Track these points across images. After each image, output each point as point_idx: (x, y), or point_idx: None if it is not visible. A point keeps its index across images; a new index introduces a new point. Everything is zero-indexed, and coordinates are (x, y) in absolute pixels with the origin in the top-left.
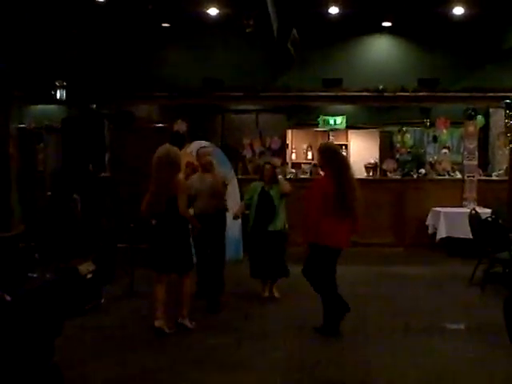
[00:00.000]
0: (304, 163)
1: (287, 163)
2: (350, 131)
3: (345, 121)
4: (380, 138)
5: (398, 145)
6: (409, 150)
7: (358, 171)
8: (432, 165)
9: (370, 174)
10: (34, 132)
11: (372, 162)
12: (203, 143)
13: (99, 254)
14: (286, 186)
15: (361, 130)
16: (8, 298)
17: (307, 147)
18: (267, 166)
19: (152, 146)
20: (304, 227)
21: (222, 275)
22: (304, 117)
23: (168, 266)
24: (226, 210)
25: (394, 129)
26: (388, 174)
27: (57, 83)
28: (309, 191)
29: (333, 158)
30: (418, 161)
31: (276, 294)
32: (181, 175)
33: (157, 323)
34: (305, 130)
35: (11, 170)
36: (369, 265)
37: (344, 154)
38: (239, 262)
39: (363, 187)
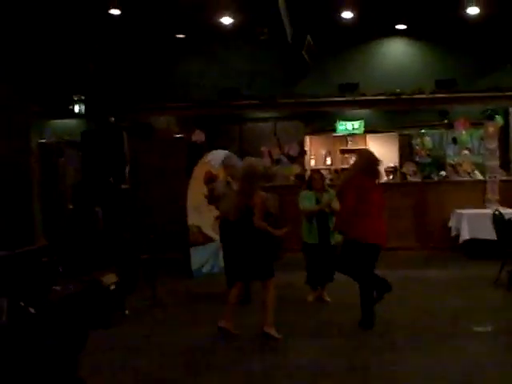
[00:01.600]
0: (323, 169)
1: (306, 169)
2: (368, 136)
3: (363, 125)
4: (399, 141)
5: (418, 147)
6: (428, 152)
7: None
8: (453, 166)
9: (390, 177)
10: (55, 146)
11: (392, 165)
12: (222, 153)
13: (122, 265)
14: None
15: (379, 134)
16: (32, 310)
17: (326, 153)
18: (316, 176)
19: (171, 156)
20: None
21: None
22: (321, 123)
23: (249, 273)
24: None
25: (413, 132)
26: (408, 177)
27: (75, 97)
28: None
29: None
30: (438, 163)
31: (327, 298)
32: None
33: (223, 323)
34: (323, 136)
35: (33, 184)
36: (392, 269)
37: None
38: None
39: (384, 191)
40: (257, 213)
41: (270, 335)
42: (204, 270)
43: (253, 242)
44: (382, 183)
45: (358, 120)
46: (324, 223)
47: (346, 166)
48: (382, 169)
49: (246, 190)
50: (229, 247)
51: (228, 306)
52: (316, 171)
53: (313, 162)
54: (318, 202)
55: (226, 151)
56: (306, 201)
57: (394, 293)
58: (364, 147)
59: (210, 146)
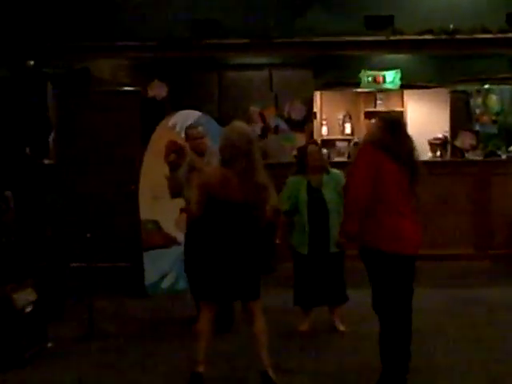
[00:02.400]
0: (339, 140)
1: (316, 141)
2: (406, 92)
3: (399, 77)
4: (451, 101)
5: (479, 111)
6: (494, 118)
7: (420, 149)
8: None
9: (437, 153)
10: None
11: (439, 136)
12: (192, 115)
13: (43, 276)
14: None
15: (422, 91)
16: None
17: (344, 117)
18: (312, 148)
19: (117, 118)
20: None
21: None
22: (338, 73)
23: (229, 291)
24: None
25: (472, 88)
26: (464, 153)
27: None
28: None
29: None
30: (509, 134)
31: (341, 327)
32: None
33: (200, 368)
34: (340, 92)
35: None
36: (439, 287)
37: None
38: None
39: (427, 173)
40: (268, 205)
41: (271, 380)
42: (164, 284)
43: (241, 247)
44: (425, 162)
45: (391, 69)
46: (321, 224)
47: None
48: (421, 142)
49: (241, 168)
50: (199, 253)
51: (199, 339)
52: (312, 142)
53: (325, 130)
54: (312, 190)
55: (198, 112)
56: (286, 196)
57: (440, 322)
58: (399, 109)
59: (176, 104)
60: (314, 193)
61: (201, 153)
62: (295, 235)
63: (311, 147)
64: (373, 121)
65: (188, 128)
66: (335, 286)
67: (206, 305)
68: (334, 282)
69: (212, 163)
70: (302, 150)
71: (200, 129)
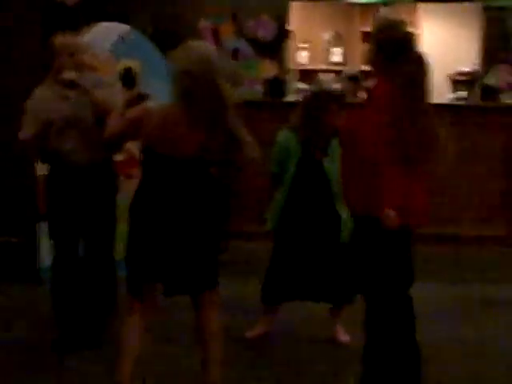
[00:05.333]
0: (324, 71)
1: (289, 70)
2: (421, 6)
3: None
4: (483, 21)
5: None
6: None
7: (438, 88)
8: None
9: (463, 94)
10: None
11: (466, 70)
12: (115, 29)
13: None
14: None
15: (444, 5)
16: None
17: (332, 38)
18: (328, 95)
19: (13, 31)
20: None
21: (114, 294)
22: None
23: (176, 278)
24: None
25: None
26: (500, 95)
27: None
28: (349, 125)
29: (394, 55)
30: None
31: (342, 336)
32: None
33: None
34: (327, 3)
35: None
36: (460, 282)
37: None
38: None
39: (448, 123)
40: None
41: None
42: None
43: (192, 219)
44: (444, 105)
45: None
46: (318, 193)
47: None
48: (440, 77)
49: (203, 108)
50: (133, 228)
51: (124, 351)
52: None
53: (304, 57)
54: (308, 163)
55: (125, 26)
56: (277, 157)
57: (460, 330)
58: (413, 30)
59: (93, 13)
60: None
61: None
62: (276, 208)
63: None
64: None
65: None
66: (345, 281)
67: (137, 299)
68: (330, 273)
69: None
70: (320, 106)
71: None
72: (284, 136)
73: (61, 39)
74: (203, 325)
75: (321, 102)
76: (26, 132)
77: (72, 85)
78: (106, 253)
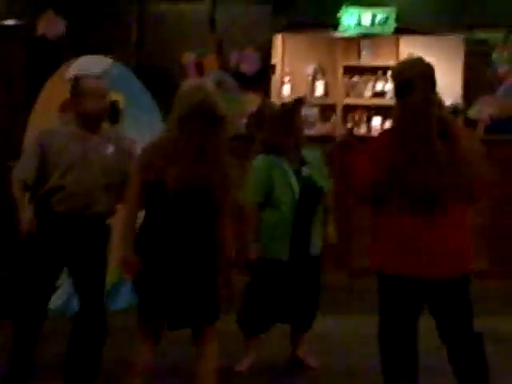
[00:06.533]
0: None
1: (275, 104)
2: (403, 39)
3: (393, 18)
4: (465, 54)
5: (504, 68)
6: None
7: None
8: None
9: None
10: None
11: (448, 104)
12: (99, 62)
13: None
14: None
15: (425, 38)
16: None
17: (315, 71)
18: (292, 110)
19: None
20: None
21: (102, 341)
22: (308, 10)
23: (175, 312)
24: (111, 213)
25: (496, 36)
26: (481, 127)
27: None
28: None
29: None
30: None
31: (311, 362)
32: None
33: None
34: (310, 37)
35: None
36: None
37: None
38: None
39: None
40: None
41: None
42: (52, 303)
43: (199, 252)
44: None
45: (383, 7)
46: (306, 218)
47: (360, 102)
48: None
49: (200, 141)
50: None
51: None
52: (297, 101)
53: (287, 90)
54: (298, 179)
55: (108, 59)
56: (258, 182)
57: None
58: (392, 63)
59: (76, 46)
60: (303, 179)
61: (95, 121)
62: (265, 237)
63: (298, 109)
64: (359, 78)
65: (82, 75)
66: (309, 300)
67: (146, 333)
68: (308, 296)
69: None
70: (286, 114)
71: (102, 81)
72: (261, 160)
73: (90, 81)
74: (203, 364)
75: (288, 112)
76: None
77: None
78: (99, 305)
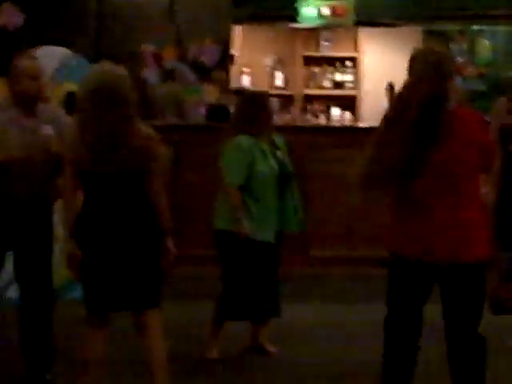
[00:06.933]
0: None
1: (236, 94)
2: (361, 31)
3: (352, 9)
4: (422, 44)
5: (462, 60)
6: (482, 70)
7: (379, 110)
8: None
9: None
10: None
11: None
12: (57, 53)
13: None
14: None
15: (385, 30)
16: None
17: (275, 63)
18: (261, 98)
19: None
20: None
21: (49, 325)
22: (268, 1)
23: (113, 297)
24: (54, 198)
25: (454, 27)
26: None
27: None
28: None
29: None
30: (501, 92)
31: (272, 348)
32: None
33: None
34: (270, 29)
35: None
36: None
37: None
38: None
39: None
40: (155, 177)
41: None
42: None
43: (126, 238)
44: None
45: None
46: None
47: (319, 92)
48: (380, 99)
49: (111, 131)
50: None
51: (87, 371)
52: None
53: (246, 81)
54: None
55: (66, 50)
56: (238, 162)
57: None
58: (351, 54)
59: (35, 37)
60: (278, 161)
61: (32, 101)
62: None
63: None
64: (319, 69)
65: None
66: (274, 291)
67: (93, 321)
68: (274, 286)
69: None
70: (256, 100)
71: (37, 61)
72: (242, 140)
73: (26, 61)
74: (149, 345)
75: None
76: None
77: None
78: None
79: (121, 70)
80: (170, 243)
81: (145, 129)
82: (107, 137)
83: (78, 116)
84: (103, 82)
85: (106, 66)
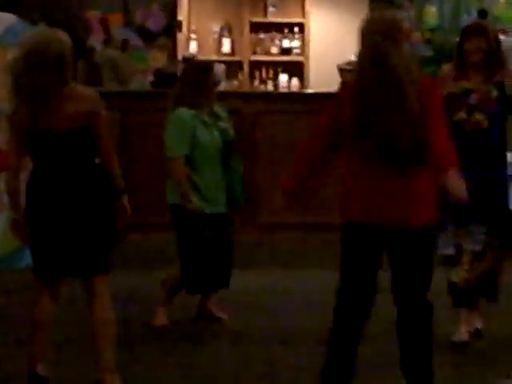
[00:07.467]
0: (214, 61)
1: (182, 61)
2: None
3: None
4: (370, 11)
5: (407, 25)
6: (429, 36)
7: (327, 77)
8: None
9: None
10: None
11: (354, 59)
12: (2, 20)
13: None
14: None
15: None
16: None
17: (221, 29)
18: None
19: None
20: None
21: None
22: None
23: (61, 262)
24: None
25: None
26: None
27: None
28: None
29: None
30: (448, 58)
31: (221, 315)
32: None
33: (41, 370)
34: None
35: None
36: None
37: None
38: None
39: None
40: (105, 138)
41: None
42: None
43: (71, 202)
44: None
45: None
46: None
47: (266, 59)
48: (328, 67)
49: (47, 93)
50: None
51: (36, 329)
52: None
53: (194, 47)
54: (213, 131)
55: (12, 15)
56: (179, 136)
57: None
58: (298, 20)
59: None
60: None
61: None
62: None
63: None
64: (266, 36)
65: None
66: (227, 261)
67: (40, 283)
68: (227, 256)
69: None
70: (204, 69)
71: None
72: (182, 113)
73: None
74: (96, 314)
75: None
76: None
77: None
78: None
79: (58, 35)
80: (125, 201)
81: (84, 89)
82: (41, 100)
83: (12, 78)
84: (36, 45)
85: (44, 30)
